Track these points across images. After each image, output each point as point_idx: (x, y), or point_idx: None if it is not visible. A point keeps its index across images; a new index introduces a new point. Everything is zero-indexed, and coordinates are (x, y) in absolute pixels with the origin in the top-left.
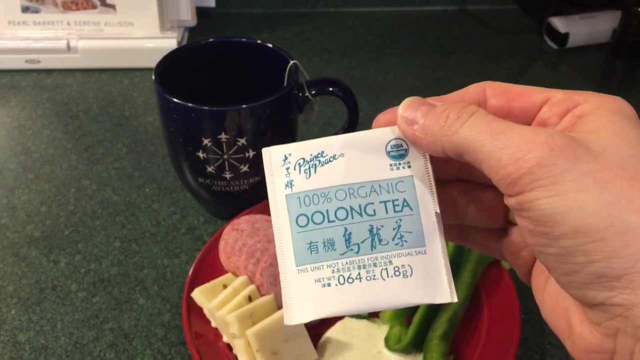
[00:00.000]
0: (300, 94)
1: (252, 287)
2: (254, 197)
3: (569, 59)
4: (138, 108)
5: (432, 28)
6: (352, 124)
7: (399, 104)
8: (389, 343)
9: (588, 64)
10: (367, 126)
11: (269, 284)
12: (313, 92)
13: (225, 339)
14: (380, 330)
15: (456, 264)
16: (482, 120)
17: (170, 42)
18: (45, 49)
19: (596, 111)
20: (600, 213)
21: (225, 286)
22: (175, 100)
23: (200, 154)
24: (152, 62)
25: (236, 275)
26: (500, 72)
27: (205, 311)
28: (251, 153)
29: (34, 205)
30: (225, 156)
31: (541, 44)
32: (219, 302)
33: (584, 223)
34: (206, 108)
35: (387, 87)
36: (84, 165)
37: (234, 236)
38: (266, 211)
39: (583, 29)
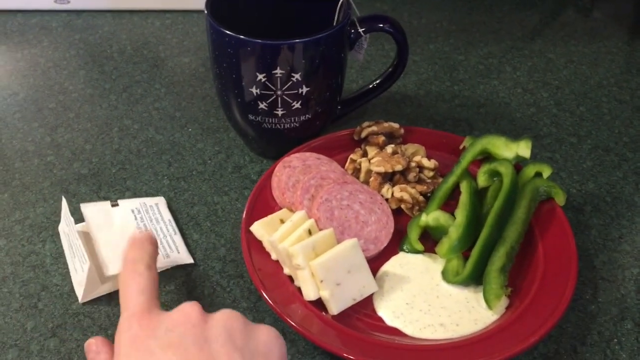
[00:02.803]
0: (353, 31)
1: (311, 220)
2: (301, 136)
3: (602, 4)
4: (172, 50)
5: None
6: (402, 61)
7: (435, 48)
8: (447, 276)
9: (621, 10)
10: (409, 68)
11: (325, 218)
12: (364, 29)
13: (286, 270)
14: (436, 264)
15: (504, 219)
16: None
17: None
18: None
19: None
20: None
21: (282, 220)
22: (230, 33)
23: (254, 90)
24: (183, 4)
25: (291, 211)
26: (532, 17)
27: (265, 244)
28: (304, 89)
29: (78, 143)
30: (279, 92)
31: None
32: (280, 235)
33: None
34: (263, 42)
35: (421, 30)
36: (124, 105)
37: (287, 173)
38: (315, 149)
39: None
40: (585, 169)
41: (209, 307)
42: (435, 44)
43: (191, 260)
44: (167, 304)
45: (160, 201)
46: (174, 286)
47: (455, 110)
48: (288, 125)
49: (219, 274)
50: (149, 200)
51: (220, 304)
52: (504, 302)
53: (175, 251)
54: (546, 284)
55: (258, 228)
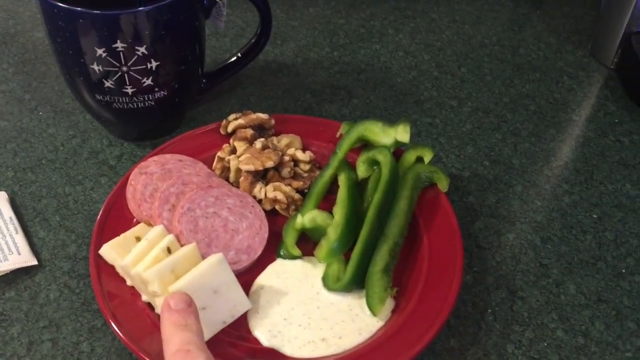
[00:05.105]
0: None
1: (170, 237)
2: (162, 115)
3: None
4: (25, 24)
5: None
6: (265, 29)
7: (315, 12)
8: (327, 282)
9: None
10: (281, 35)
11: (188, 231)
12: None
13: (144, 297)
14: (317, 270)
15: (385, 213)
16: None
17: None
18: None
19: None
20: None
21: (138, 238)
22: (59, 4)
23: (95, 67)
24: None
25: (150, 225)
26: None
27: (118, 269)
28: (154, 64)
29: None
30: (125, 68)
31: None
32: (134, 258)
33: None
34: (96, 12)
35: None
36: None
37: (143, 181)
38: (176, 150)
39: None
40: (464, 132)
41: (55, 312)
42: (315, 8)
43: (35, 262)
44: (6, 312)
45: (0, 197)
46: (14, 292)
47: (335, 78)
48: (142, 104)
49: (68, 274)
50: None
51: (68, 307)
52: (389, 305)
53: (15, 253)
54: (432, 281)
55: (109, 251)
